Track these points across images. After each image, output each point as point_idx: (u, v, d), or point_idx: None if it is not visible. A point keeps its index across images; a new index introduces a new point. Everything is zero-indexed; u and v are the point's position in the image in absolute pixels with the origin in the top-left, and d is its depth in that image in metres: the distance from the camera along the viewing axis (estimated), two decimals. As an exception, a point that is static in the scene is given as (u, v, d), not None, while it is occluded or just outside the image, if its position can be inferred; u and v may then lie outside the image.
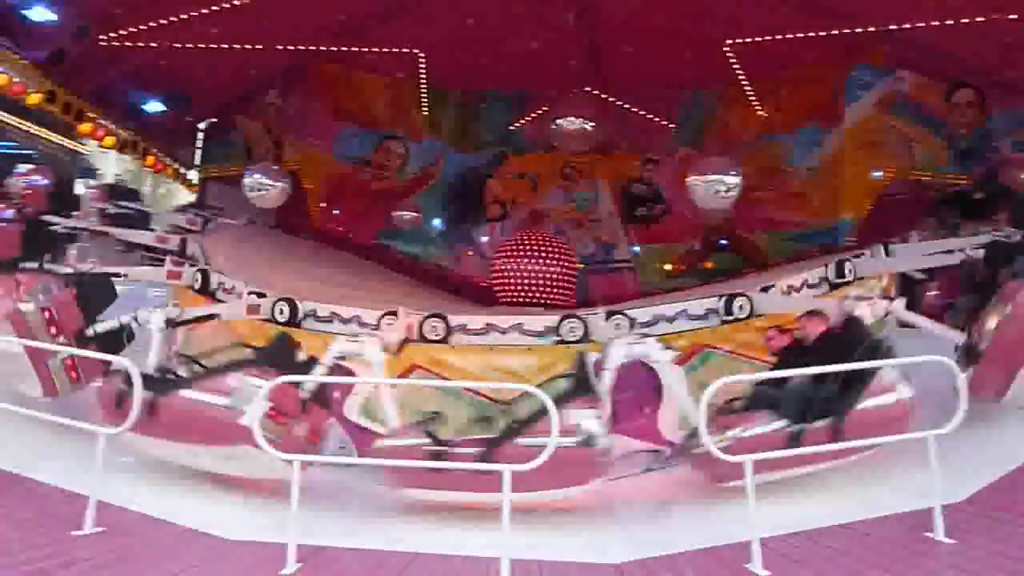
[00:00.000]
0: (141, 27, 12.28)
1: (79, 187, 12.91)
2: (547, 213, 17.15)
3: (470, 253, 17.28)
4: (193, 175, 18.54)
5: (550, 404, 5.15)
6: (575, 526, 5.85)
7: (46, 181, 11.75)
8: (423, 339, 8.67)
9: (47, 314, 7.35)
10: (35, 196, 11.10)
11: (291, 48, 14.31)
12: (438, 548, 5.25)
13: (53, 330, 7.37)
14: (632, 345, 7.20)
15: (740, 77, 14.75)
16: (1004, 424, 6.93)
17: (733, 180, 11.87)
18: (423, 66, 15.50)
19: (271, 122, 16.71)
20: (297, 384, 6.50)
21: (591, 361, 7.05)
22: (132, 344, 7.93)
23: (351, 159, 16.83)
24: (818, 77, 14.49)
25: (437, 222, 17.39)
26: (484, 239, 17.19)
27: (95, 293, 8.28)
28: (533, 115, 16.87)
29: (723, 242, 16.21)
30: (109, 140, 14.51)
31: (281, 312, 8.94)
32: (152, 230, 12.40)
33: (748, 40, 13.34)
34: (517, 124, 17.30)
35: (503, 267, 13.56)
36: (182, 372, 6.94)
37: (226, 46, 13.17)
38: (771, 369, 7.24)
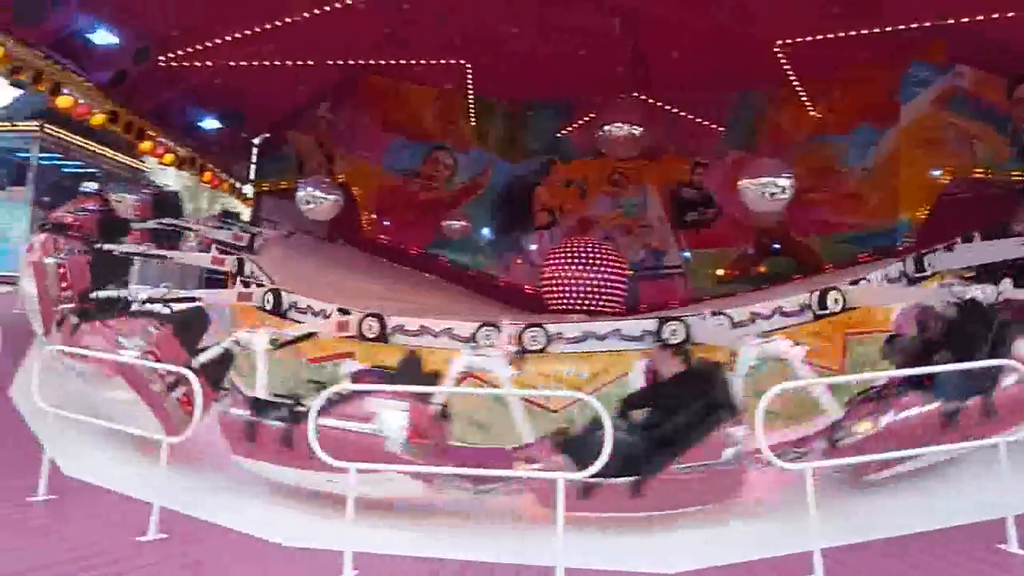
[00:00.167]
0: (197, 47, 12.67)
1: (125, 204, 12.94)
2: (596, 220, 17.09)
3: (519, 261, 17.31)
4: (248, 189, 19.00)
5: (604, 415, 5.08)
6: (633, 534, 5.78)
7: (95, 207, 11.95)
8: (524, 350, 8.55)
9: (152, 356, 7.14)
10: (87, 224, 11.29)
11: (341, 62, 14.57)
12: (491, 556, 5.24)
13: (161, 370, 7.10)
14: (763, 344, 7.06)
15: (791, 78, 14.48)
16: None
17: (785, 182, 11.67)
18: (470, 76, 15.62)
19: (322, 136, 17.04)
20: (427, 401, 6.35)
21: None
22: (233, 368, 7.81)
23: (400, 171, 17.04)
24: (872, 76, 14.13)
25: (486, 231, 17.48)
26: (533, 247, 17.21)
27: (189, 324, 8.05)
28: (580, 122, 16.85)
29: (776, 246, 15.91)
30: (168, 157, 15.01)
31: (370, 328, 8.93)
32: (205, 250, 12.61)
33: (799, 40, 13.11)
34: (564, 132, 17.30)
35: (552, 274, 13.57)
36: (306, 398, 6.59)
37: (278, 63, 13.47)
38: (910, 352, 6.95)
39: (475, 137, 17.29)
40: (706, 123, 16.37)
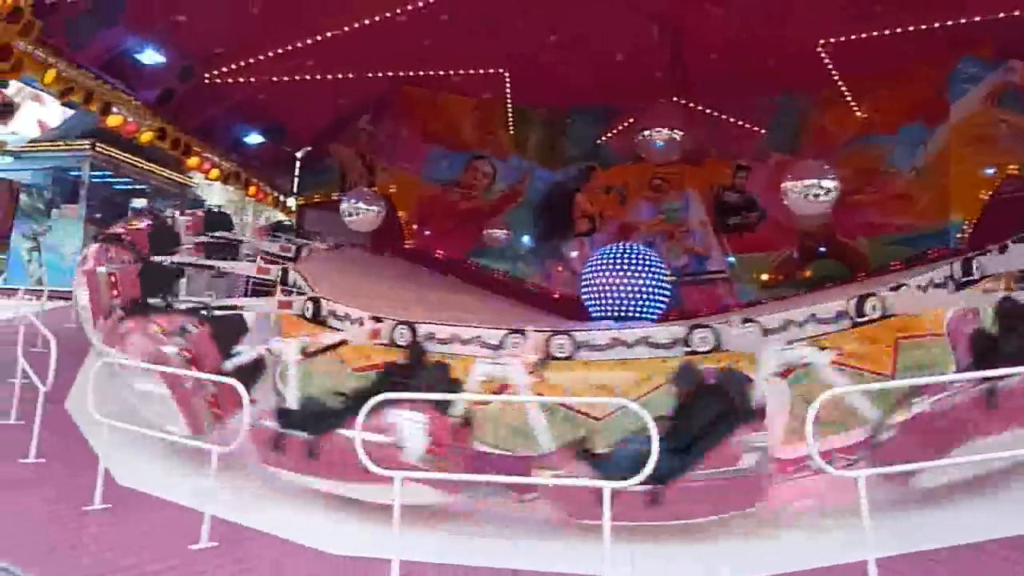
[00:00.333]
0: (241, 64, 12.96)
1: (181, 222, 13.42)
2: (637, 226, 16.98)
3: (560, 268, 17.27)
4: (291, 202, 19.32)
5: (650, 421, 5.02)
6: (681, 543, 5.70)
7: (146, 223, 12.31)
8: (551, 357, 8.51)
9: (188, 354, 7.32)
10: (139, 238, 11.63)
11: (381, 75, 14.75)
12: (536, 565, 5.21)
13: (195, 369, 7.31)
14: (785, 351, 6.92)
15: (835, 77, 14.25)
16: None
17: (830, 184, 11.42)
18: (508, 85, 15.68)
19: (363, 148, 17.27)
20: (446, 411, 6.33)
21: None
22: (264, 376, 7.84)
23: (440, 180, 17.17)
24: (919, 73, 13.84)
25: (526, 239, 17.49)
26: (573, 254, 17.16)
27: (227, 328, 8.20)
28: (619, 128, 16.78)
29: (821, 250, 15.63)
30: (215, 172, 15.36)
31: (401, 335, 8.93)
32: (251, 260, 12.86)
33: (842, 39, 12.89)
34: (604, 138, 17.25)
35: (593, 281, 13.50)
36: (333, 406, 6.65)
37: (319, 77, 13.69)
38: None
39: (514, 145, 17.35)
40: (748, 126, 16.19)
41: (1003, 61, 12.95)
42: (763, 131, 16.14)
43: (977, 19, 11.84)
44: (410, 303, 11.36)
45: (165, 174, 22.82)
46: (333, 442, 6.08)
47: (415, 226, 17.13)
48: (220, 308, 9.20)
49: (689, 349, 8.32)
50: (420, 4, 11.88)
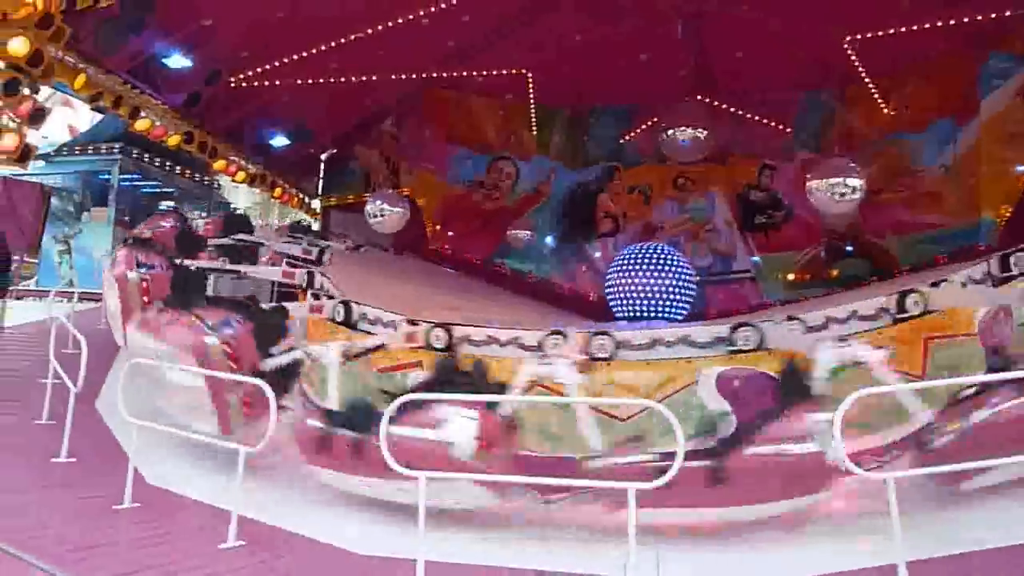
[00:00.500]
0: (266, 67, 13.06)
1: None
2: (661, 225, 16.88)
3: (584, 269, 17.23)
4: (316, 204, 19.46)
5: (676, 424, 4.97)
6: (706, 546, 5.65)
7: (171, 223, 12.32)
8: (592, 358, 8.45)
9: (228, 348, 7.30)
10: (164, 239, 11.66)
11: (404, 77, 14.80)
12: (561, 566, 5.20)
13: (233, 365, 7.25)
14: (840, 348, 6.81)
15: (862, 74, 14.06)
16: None
17: (856, 182, 11.26)
18: (531, 85, 15.67)
19: (387, 149, 17.35)
20: (496, 410, 6.30)
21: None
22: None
23: (464, 181, 17.19)
24: (948, 69, 13.62)
25: (549, 239, 17.47)
26: (597, 254, 17.10)
27: (268, 328, 8.15)
28: (643, 127, 16.71)
29: (848, 248, 15.43)
30: (241, 175, 15.50)
31: (438, 338, 8.83)
32: (276, 264, 12.89)
33: (869, 35, 12.71)
34: (627, 137, 17.17)
35: (617, 282, 13.44)
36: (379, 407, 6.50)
37: (344, 79, 13.76)
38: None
39: (537, 146, 17.33)
40: (773, 124, 16.02)
41: (1035, 56, 12.71)
42: (789, 129, 15.96)
43: (1008, 13, 11.63)
44: (432, 304, 11.36)
45: (192, 177, 23.09)
46: (374, 441, 5.87)
47: (438, 227, 17.17)
48: (270, 309, 9.20)
49: (732, 348, 8.24)
50: (443, 5, 11.90)
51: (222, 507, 5.78)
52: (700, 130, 13.70)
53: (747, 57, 13.75)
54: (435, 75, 15.21)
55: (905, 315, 8.11)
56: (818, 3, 11.92)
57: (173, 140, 13.05)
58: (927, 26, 12.21)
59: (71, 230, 20.34)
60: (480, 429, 5.93)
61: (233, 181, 16.74)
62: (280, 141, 16.44)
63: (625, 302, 13.27)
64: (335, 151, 18.56)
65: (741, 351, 8.13)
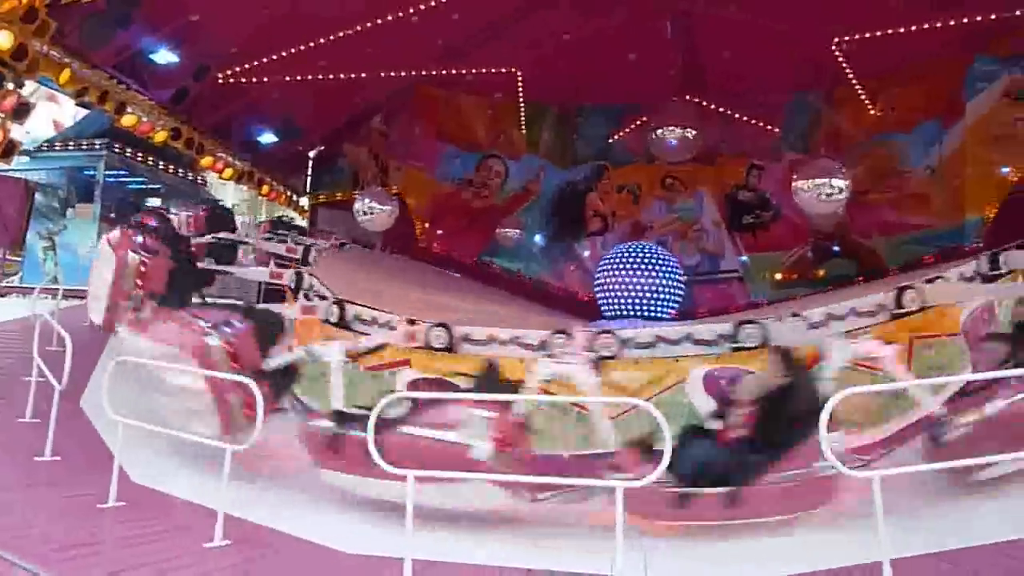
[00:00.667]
0: (254, 64, 12.99)
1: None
2: (649, 225, 16.92)
3: (572, 268, 17.25)
4: (304, 201, 19.37)
5: (663, 423, 4.98)
6: (694, 545, 5.67)
7: (155, 224, 12.09)
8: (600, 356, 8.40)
9: (230, 348, 7.15)
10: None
11: (393, 75, 14.77)
12: (552, 565, 5.20)
13: (235, 365, 7.08)
14: (852, 345, 6.83)
15: (849, 76, 14.16)
16: None
17: (841, 183, 11.35)
18: (521, 84, 15.67)
19: (376, 147, 17.29)
20: (510, 410, 6.22)
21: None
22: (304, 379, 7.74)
23: (453, 180, 17.17)
24: (934, 71, 13.74)
25: (538, 238, 17.47)
26: (586, 253, 17.13)
27: (268, 327, 7.98)
28: (632, 127, 16.74)
29: (835, 249, 15.53)
30: (228, 172, 15.41)
31: (438, 337, 8.87)
32: (263, 264, 12.76)
33: (857, 37, 12.79)
34: (616, 137, 17.20)
35: (606, 280, 13.47)
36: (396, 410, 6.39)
37: (333, 76, 13.71)
38: None
39: (526, 144, 17.33)
40: (761, 124, 16.12)
41: (1020, 59, 12.82)
42: (777, 130, 16.06)
43: (993, 17, 11.73)
44: (421, 303, 11.34)
45: (179, 174, 22.91)
46: (392, 442, 5.86)
47: (427, 225, 17.14)
48: (268, 310, 9.06)
49: (736, 345, 8.27)
50: (433, 3, 11.88)
51: (209, 506, 5.74)
52: (689, 130, 13.76)
53: (736, 58, 13.79)
54: (425, 73, 15.19)
55: (903, 311, 8.19)
56: (807, 5, 11.97)
57: (160, 136, 12.96)
58: (914, 29, 12.30)
59: (56, 227, 20.12)
60: (496, 430, 5.88)
61: (220, 178, 16.64)
62: (268, 138, 16.36)
63: (614, 301, 13.31)
64: (323, 148, 18.49)
65: (744, 348, 8.16)
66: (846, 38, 12.98)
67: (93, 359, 9.81)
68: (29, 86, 10.97)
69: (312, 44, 12.55)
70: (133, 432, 6.51)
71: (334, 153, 18.23)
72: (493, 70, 15.03)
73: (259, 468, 6.89)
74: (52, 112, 22.16)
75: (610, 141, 17.30)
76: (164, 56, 12.16)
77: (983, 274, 8.81)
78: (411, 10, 11.97)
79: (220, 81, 13.21)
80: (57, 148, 20.68)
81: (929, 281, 8.57)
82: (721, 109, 15.99)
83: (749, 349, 8.13)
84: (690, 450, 5.71)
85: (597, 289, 13.80)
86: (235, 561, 5.01)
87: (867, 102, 14.74)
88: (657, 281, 13.15)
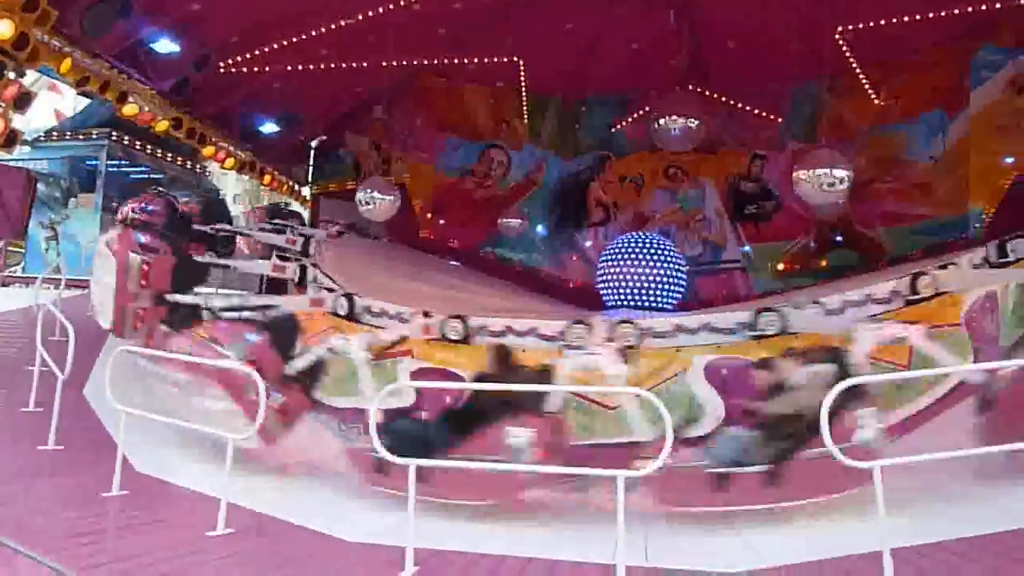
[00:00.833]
0: (256, 52, 12.94)
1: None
2: (652, 215, 16.89)
3: (575, 258, 17.23)
4: (306, 191, 19.36)
5: (664, 413, 4.97)
6: (693, 534, 5.69)
7: (160, 208, 11.96)
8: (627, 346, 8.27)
9: (252, 365, 6.88)
10: (155, 222, 11.28)
11: (396, 64, 14.71)
12: (554, 554, 5.22)
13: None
14: (881, 330, 6.82)
15: (853, 65, 14.05)
16: None
17: (842, 173, 11.24)
18: (523, 73, 15.60)
19: (378, 137, 17.25)
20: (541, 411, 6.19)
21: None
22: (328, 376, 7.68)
23: (455, 170, 17.14)
24: (939, 60, 13.67)
25: (540, 228, 17.45)
26: (588, 243, 17.11)
27: (283, 331, 7.93)
28: (635, 116, 16.67)
29: (838, 239, 15.49)
30: (230, 162, 15.38)
31: (454, 330, 8.79)
32: (264, 256, 12.72)
33: (861, 26, 12.70)
34: (618, 126, 17.14)
35: (608, 271, 13.46)
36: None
37: (334, 66, 13.66)
38: None
39: (529, 134, 17.28)
40: (764, 114, 16.02)
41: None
42: (780, 119, 15.97)
43: (998, 6, 11.66)
44: (422, 294, 11.32)
45: (181, 163, 22.88)
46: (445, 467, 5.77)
47: (429, 215, 17.11)
48: (254, 309, 8.92)
49: (755, 333, 8.26)
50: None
51: (213, 495, 5.76)
52: (692, 120, 13.67)
53: (739, 47, 13.73)
54: (427, 62, 15.12)
55: (917, 297, 8.19)
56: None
57: (161, 126, 12.92)
58: (918, 17, 12.23)
59: (58, 216, 20.15)
60: (537, 440, 5.85)
61: (222, 168, 16.62)
62: (270, 127, 16.32)
63: (616, 291, 13.30)
64: (325, 138, 18.45)
65: (764, 335, 8.15)
66: (850, 27, 12.88)
67: (96, 349, 9.85)
68: (30, 75, 10.94)
69: (314, 33, 12.49)
70: (136, 422, 6.54)
71: (336, 143, 18.20)
72: (495, 59, 14.95)
73: (295, 469, 6.91)
74: (53, 102, 22.15)
75: (613, 131, 17.23)
76: (165, 45, 12.12)
77: (991, 262, 8.81)
78: (413, -1, 11.91)
79: (221, 70, 13.16)
80: (59, 138, 20.66)
81: (942, 267, 8.59)
82: (724, 99, 15.90)
83: (770, 336, 8.12)
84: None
85: (599, 279, 13.79)
86: (237, 549, 5.03)
87: (871, 91, 14.64)
88: (659, 272, 13.13)
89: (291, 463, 6.23)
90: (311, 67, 13.54)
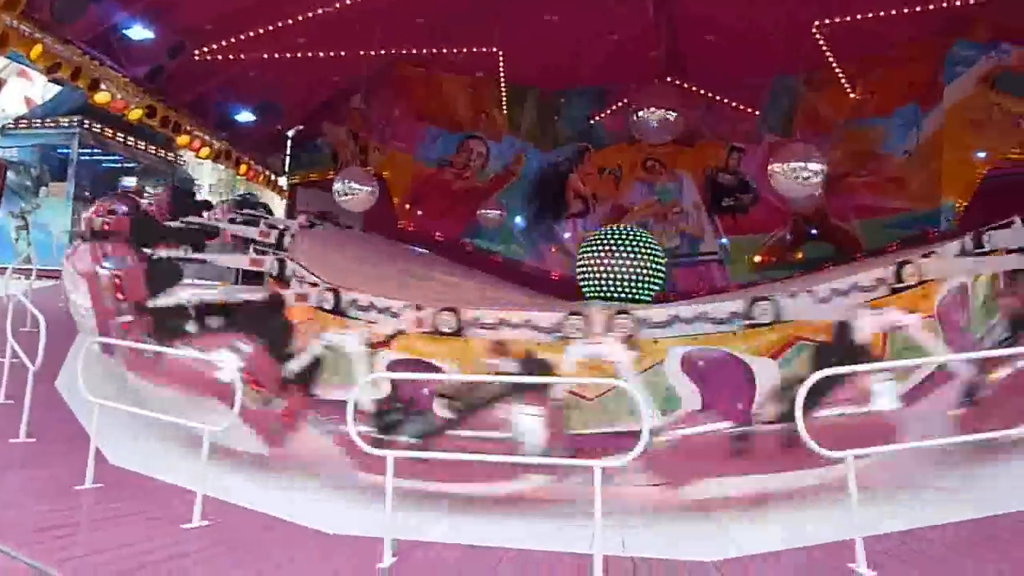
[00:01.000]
0: (231, 40, 12.76)
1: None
2: (630, 207, 16.94)
3: (553, 249, 17.25)
4: (283, 181, 19.18)
5: (644, 404, 5.00)
6: (670, 523, 5.73)
7: (126, 210, 11.75)
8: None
9: (247, 375, 6.83)
10: (120, 227, 11.08)
11: (374, 53, 14.59)
12: (532, 544, 5.23)
13: (259, 388, 6.94)
14: (881, 314, 6.87)
15: (829, 59, 14.15)
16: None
17: (817, 166, 11.33)
18: (502, 64, 15.54)
19: (356, 126, 17.12)
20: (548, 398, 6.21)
21: None
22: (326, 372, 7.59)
23: (433, 160, 17.07)
24: (913, 55, 13.82)
25: (519, 219, 17.44)
26: (567, 235, 17.13)
27: (275, 334, 7.76)
28: (613, 108, 16.70)
29: (813, 231, 15.65)
30: (205, 151, 15.17)
31: (445, 322, 8.72)
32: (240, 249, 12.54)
33: (837, 20, 12.80)
34: (597, 118, 17.15)
35: (587, 262, 13.47)
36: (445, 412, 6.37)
37: (312, 54, 13.52)
38: None
39: (508, 125, 17.24)
40: (742, 107, 16.12)
41: (997, 44, 12.91)
42: (757, 112, 16.09)
43: (972, 1, 11.79)
44: (402, 285, 11.27)
45: (155, 152, 22.56)
46: (446, 446, 5.84)
47: (408, 206, 17.04)
48: (236, 306, 8.77)
49: (750, 321, 8.31)
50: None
51: (188, 487, 5.71)
52: (670, 112, 13.71)
53: (717, 40, 13.77)
54: (405, 52, 15.00)
55: (902, 285, 8.31)
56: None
57: (134, 114, 12.70)
58: (894, 13, 12.32)
59: (29, 205, 19.81)
60: (545, 424, 5.89)
61: (197, 157, 16.42)
62: (246, 117, 16.14)
63: (596, 283, 13.31)
64: (302, 128, 18.29)
65: (758, 324, 8.22)
66: (827, 21, 12.97)
67: (68, 340, 9.68)
68: (0, 62, 10.71)
69: (290, 21, 12.33)
70: (110, 414, 6.46)
71: (313, 132, 18.04)
72: (475, 50, 14.87)
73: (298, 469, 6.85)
74: (24, 88, 21.74)
75: (591, 123, 17.24)
76: (139, 32, 11.90)
77: (968, 253, 8.96)
78: (391, -13, 11.82)
79: (196, 58, 12.97)
80: (29, 125, 20.29)
81: (926, 256, 8.72)
82: (702, 91, 15.97)
83: (762, 326, 8.19)
84: None
85: (579, 271, 13.80)
86: (213, 541, 4.99)
87: (847, 85, 14.78)
88: (638, 263, 13.16)
89: (296, 463, 6.18)
90: (288, 55, 13.40)
